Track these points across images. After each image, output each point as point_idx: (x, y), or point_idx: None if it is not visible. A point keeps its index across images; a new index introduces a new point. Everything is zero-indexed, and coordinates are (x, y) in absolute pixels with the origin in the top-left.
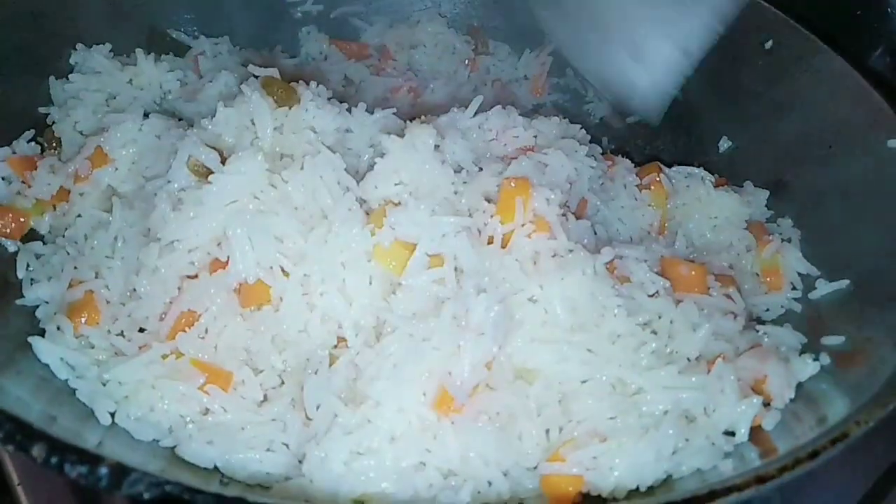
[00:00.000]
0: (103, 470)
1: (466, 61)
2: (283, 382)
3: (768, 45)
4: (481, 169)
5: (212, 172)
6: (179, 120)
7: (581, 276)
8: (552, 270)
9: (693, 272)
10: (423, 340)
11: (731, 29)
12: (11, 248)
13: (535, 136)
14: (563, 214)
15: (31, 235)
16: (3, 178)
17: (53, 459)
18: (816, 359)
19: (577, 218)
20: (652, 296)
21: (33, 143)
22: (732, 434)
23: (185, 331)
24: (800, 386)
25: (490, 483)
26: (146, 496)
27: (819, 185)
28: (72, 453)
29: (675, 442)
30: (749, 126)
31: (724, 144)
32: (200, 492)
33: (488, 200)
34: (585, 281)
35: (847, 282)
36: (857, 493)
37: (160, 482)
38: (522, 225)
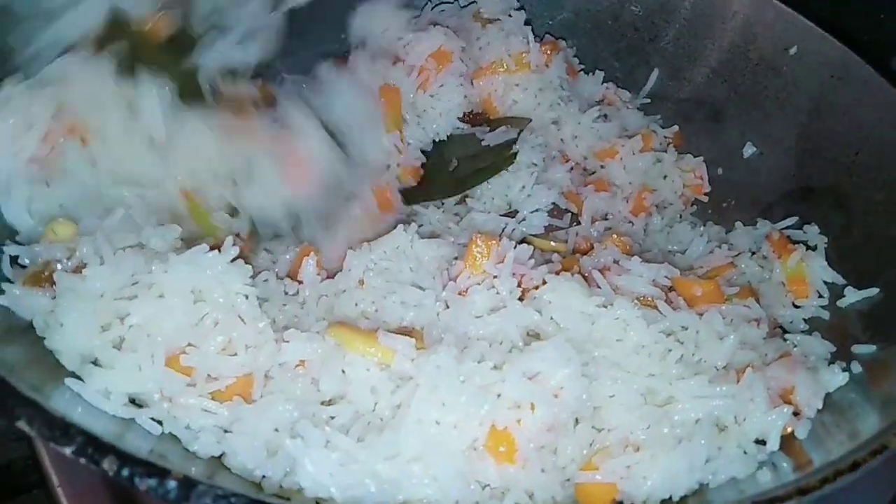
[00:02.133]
0: (171, 483)
1: None
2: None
3: (793, 51)
4: None
5: None
6: None
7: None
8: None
9: (705, 289)
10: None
11: (755, 35)
12: None
13: None
14: None
15: None
16: None
17: (125, 472)
18: (846, 369)
19: None
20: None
21: None
22: (763, 443)
23: None
24: (828, 396)
25: (530, 496)
26: None
27: (845, 190)
28: (141, 466)
29: (708, 451)
30: (774, 132)
31: (749, 150)
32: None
33: None
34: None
35: (876, 290)
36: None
37: (227, 494)
38: None
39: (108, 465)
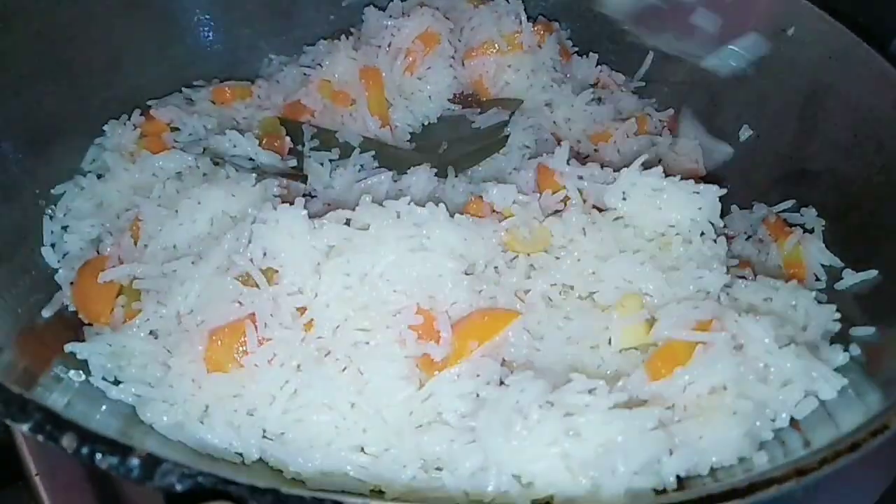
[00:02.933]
0: (134, 461)
1: None
2: None
3: (790, 31)
4: None
5: None
6: None
7: None
8: None
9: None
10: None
11: (752, 16)
12: None
13: None
14: None
15: None
16: None
17: (84, 450)
18: (846, 349)
19: None
20: None
21: None
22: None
23: None
24: None
25: None
26: (178, 488)
27: (843, 173)
28: (102, 444)
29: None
30: (770, 114)
31: (745, 133)
32: (234, 482)
33: None
34: None
35: (875, 272)
36: (879, 487)
37: (192, 473)
38: None
39: (67, 442)
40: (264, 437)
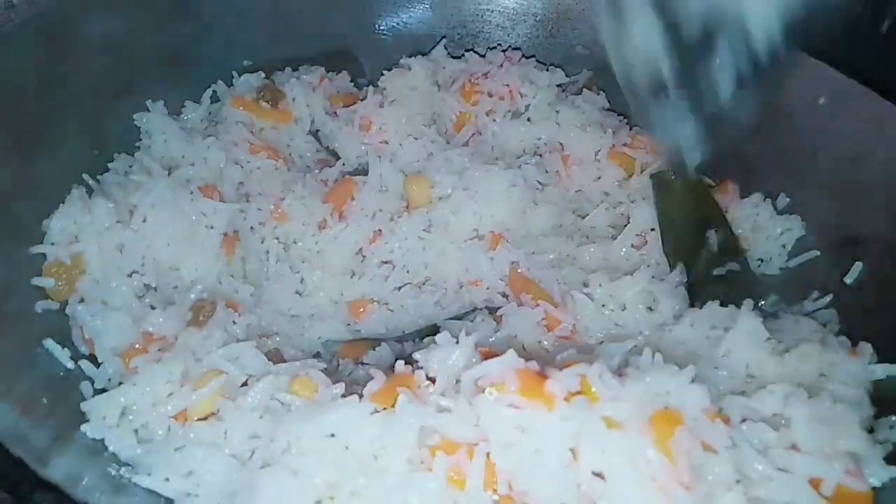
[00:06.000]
0: None
1: None
2: None
3: (822, 100)
4: None
5: None
6: None
7: None
8: None
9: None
10: None
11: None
12: None
13: None
14: None
15: None
16: None
17: None
18: None
19: None
20: None
21: None
22: None
23: None
24: None
25: None
26: None
27: (892, 238)
28: None
29: None
30: (807, 182)
31: (784, 201)
32: None
33: None
34: None
35: None
36: None
37: None
38: None
39: None
40: None
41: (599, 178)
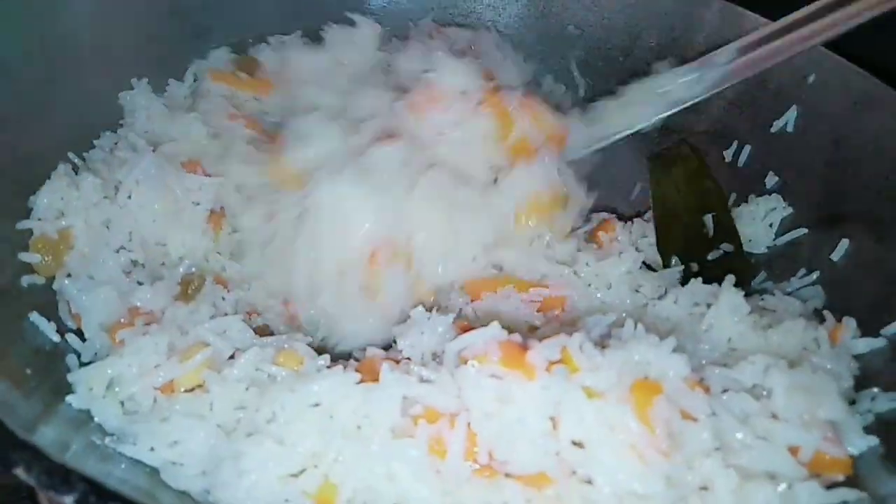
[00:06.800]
0: None
1: None
2: None
3: (811, 79)
4: None
5: None
6: None
7: None
8: None
9: None
10: None
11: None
12: None
13: None
14: None
15: None
16: None
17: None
18: None
19: None
20: None
21: None
22: None
23: None
24: None
25: None
26: None
27: (878, 216)
28: None
29: None
30: (795, 160)
31: (772, 180)
32: None
33: None
34: None
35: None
36: None
37: None
38: None
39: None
40: None
41: None
